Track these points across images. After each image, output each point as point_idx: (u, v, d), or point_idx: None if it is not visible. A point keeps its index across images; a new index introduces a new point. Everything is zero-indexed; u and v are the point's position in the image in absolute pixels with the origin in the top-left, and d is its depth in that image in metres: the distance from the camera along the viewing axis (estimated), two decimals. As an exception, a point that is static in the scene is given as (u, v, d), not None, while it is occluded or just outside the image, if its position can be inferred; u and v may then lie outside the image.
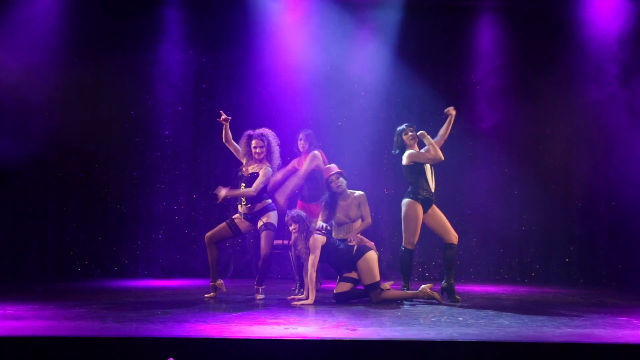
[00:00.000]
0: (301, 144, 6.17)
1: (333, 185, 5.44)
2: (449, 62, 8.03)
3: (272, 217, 5.43)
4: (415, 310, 4.71)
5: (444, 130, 5.63)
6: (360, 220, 5.51)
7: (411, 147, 5.51)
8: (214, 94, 8.01)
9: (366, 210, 5.49)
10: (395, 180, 7.67)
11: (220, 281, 5.47)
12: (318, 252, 5.02)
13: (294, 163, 6.22)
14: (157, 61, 7.90)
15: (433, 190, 5.48)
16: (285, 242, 6.41)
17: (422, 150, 5.54)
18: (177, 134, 7.95)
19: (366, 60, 7.89)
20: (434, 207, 5.50)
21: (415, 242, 5.45)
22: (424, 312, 4.57)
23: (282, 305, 4.97)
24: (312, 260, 5.00)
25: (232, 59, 8.02)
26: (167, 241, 7.85)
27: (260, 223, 5.41)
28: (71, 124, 7.60)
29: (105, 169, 7.79)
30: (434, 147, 5.36)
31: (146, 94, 7.89)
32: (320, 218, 5.52)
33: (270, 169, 5.44)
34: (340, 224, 5.51)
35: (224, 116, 5.49)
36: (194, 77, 8.00)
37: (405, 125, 5.57)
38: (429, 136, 5.43)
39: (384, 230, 7.88)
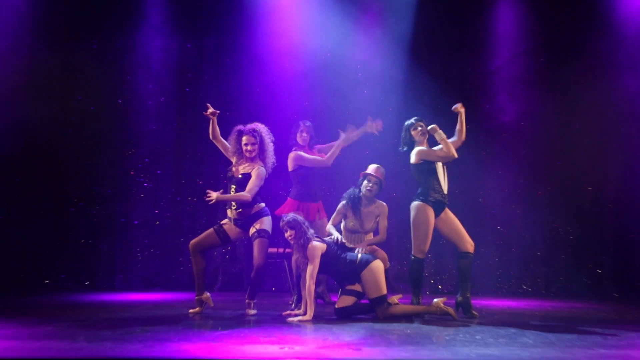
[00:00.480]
0: (302, 137, 6.10)
1: (366, 184, 5.44)
2: (465, 49, 8.02)
3: (265, 223, 5.40)
4: (427, 327, 4.67)
5: (459, 131, 5.54)
6: (372, 233, 5.52)
7: (421, 143, 5.48)
8: (201, 84, 7.99)
9: (384, 225, 5.51)
10: (404, 182, 7.64)
11: (207, 294, 5.43)
12: (317, 261, 4.98)
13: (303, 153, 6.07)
14: (137, 47, 7.88)
15: (446, 192, 5.45)
16: (281, 250, 6.36)
17: (435, 148, 5.49)
18: (159, 129, 7.92)
19: (372, 46, 7.87)
20: (447, 210, 5.47)
21: (426, 251, 5.42)
22: (437, 330, 4.54)
23: (276, 321, 4.94)
24: (311, 271, 4.96)
25: (221, 45, 8.00)
26: (148, 249, 7.82)
27: (252, 230, 5.38)
28: (39, 117, 7.56)
29: (78, 168, 7.75)
30: (446, 143, 5.33)
31: (124, 84, 7.87)
32: (332, 220, 5.51)
33: (263, 169, 5.41)
34: (351, 232, 5.50)
35: (211, 109, 5.46)
36: (178, 65, 7.98)
37: (414, 119, 5.54)
38: (440, 131, 5.39)
39: (392, 237, 7.83)
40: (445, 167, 5.53)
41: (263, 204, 5.47)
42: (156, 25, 7.91)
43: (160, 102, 7.94)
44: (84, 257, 7.71)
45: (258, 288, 5.43)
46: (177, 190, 7.90)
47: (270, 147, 5.52)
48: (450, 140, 5.45)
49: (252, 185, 5.32)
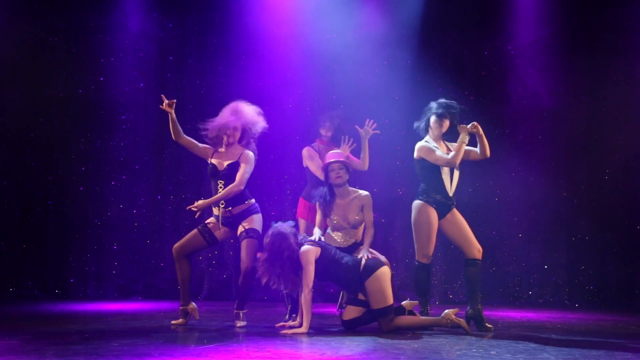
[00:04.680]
0: (325, 131, 6.01)
1: (333, 174, 5.39)
2: (481, 28, 8.03)
3: (255, 221, 5.40)
4: (437, 341, 4.70)
5: (482, 151, 5.49)
6: (362, 228, 5.47)
7: (435, 137, 5.47)
8: (184, 68, 8.00)
9: (370, 219, 5.47)
10: (411, 178, 7.66)
11: (193, 305, 5.45)
12: (311, 267, 4.99)
13: (315, 156, 5.99)
14: (111, 27, 7.89)
15: (451, 194, 5.45)
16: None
17: (439, 152, 5.42)
18: (137, 119, 7.94)
19: (377, 25, 7.87)
20: (454, 211, 5.47)
21: (430, 255, 5.45)
22: (447, 344, 4.57)
23: (269, 334, 4.96)
24: (306, 278, 4.98)
25: (207, 24, 8.02)
26: (124, 254, 7.84)
27: (240, 229, 5.38)
28: (1, 105, 7.57)
29: (46, 162, 7.77)
30: (459, 150, 5.29)
31: (98, 68, 7.88)
32: (317, 220, 5.48)
33: (251, 153, 5.41)
34: (336, 229, 5.47)
35: (167, 101, 5.32)
36: (158, 47, 7.99)
37: (441, 109, 5.47)
38: (467, 135, 5.31)
39: (397, 240, 7.88)
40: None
41: (253, 200, 5.47)
42: (133, 1, 7.91)
43: (139, 89, 7.95)
44: (54, 262, 7.72)
45: (247, 296, 5.45)
46: (158, 188, 7.91)
47: (255, 129, 5.47)
48: (472, 149, 5.44)
49: (243, 172, 5.28)
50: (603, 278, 7.75)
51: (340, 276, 5.10)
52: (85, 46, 7.85)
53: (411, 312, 5.31)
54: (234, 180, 5.31)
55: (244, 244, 5.33)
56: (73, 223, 7.78)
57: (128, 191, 7.89)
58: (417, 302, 5.40)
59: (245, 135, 5.45)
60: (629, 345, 4.62)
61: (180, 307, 5.44)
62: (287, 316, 5.62)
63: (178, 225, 7.74)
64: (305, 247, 5.03)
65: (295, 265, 5.04)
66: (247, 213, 5.40)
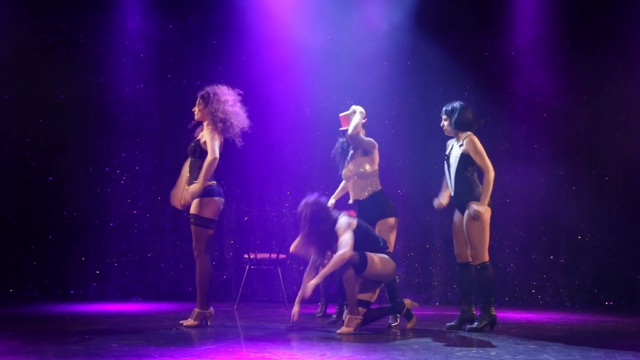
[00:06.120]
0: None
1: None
2: (481, 28, 8.02)
3: (200, 205, 5.24)
4: (437, 342, 4.71)
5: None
6: (369, 181, 5.60)
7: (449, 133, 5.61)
8: (184, 69, 8.00)
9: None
10: (411, 178, 7.68)
11: (211, 310, 5.39)
12: (351, 234, 5.03)
13: None
14: (111, 28, 7.89)
15: (453, 193, 5.54)
16: (274, 255, 6.37)
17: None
18: (137, 119, 7.94)
19: (376, 26, 7.88)
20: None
21: (456, 254, 5.55)
22: (447, 345, 4.57)
23: (268, 335, 4.96)
24: (349, 241, 4.98)
25: (207, 25, 8.02)
26: (125, 255, 7.84)
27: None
28: (1, 105, 7.58)
29: (45, 163, 7.77)
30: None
31: (98, 68, 7.88)
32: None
33: (211, 125, 5.22)
34: (349, 179, 5.65)
35: None
36: (158, 48, 8.00)
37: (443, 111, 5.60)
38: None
39: (397, 241, 7.84)
40: (448, 164, 5.55)
41: (212, 182, 5.29)
42: (133, 2, 7.92)
43: (139, 90, 7.95)
44: (54, 263, 7.73)
45: (205, 291, 5.27)
46: (158, 189, 7.91)
47: (219, 106, 5.35)
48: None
49: (209, 145, 5.15)
50: (603, 278, 7.75)
51: (368, 245, 5.18)
52: (85, 47, 7.85)
53: (408, 312, 5.33)
54: (198, 156, 5.30)
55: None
56: (73, 224, 7.79)
57: (128, 192, 7.89)
58: (417, 304, 5.43)
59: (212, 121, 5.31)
60: (629, 346, 4.62)
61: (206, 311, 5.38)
62: (320, 312, 5.64)
63: (178, 227, 7.74)
64: (344, 218, 5.14)
65: (330, 237, 5.10)
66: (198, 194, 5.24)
